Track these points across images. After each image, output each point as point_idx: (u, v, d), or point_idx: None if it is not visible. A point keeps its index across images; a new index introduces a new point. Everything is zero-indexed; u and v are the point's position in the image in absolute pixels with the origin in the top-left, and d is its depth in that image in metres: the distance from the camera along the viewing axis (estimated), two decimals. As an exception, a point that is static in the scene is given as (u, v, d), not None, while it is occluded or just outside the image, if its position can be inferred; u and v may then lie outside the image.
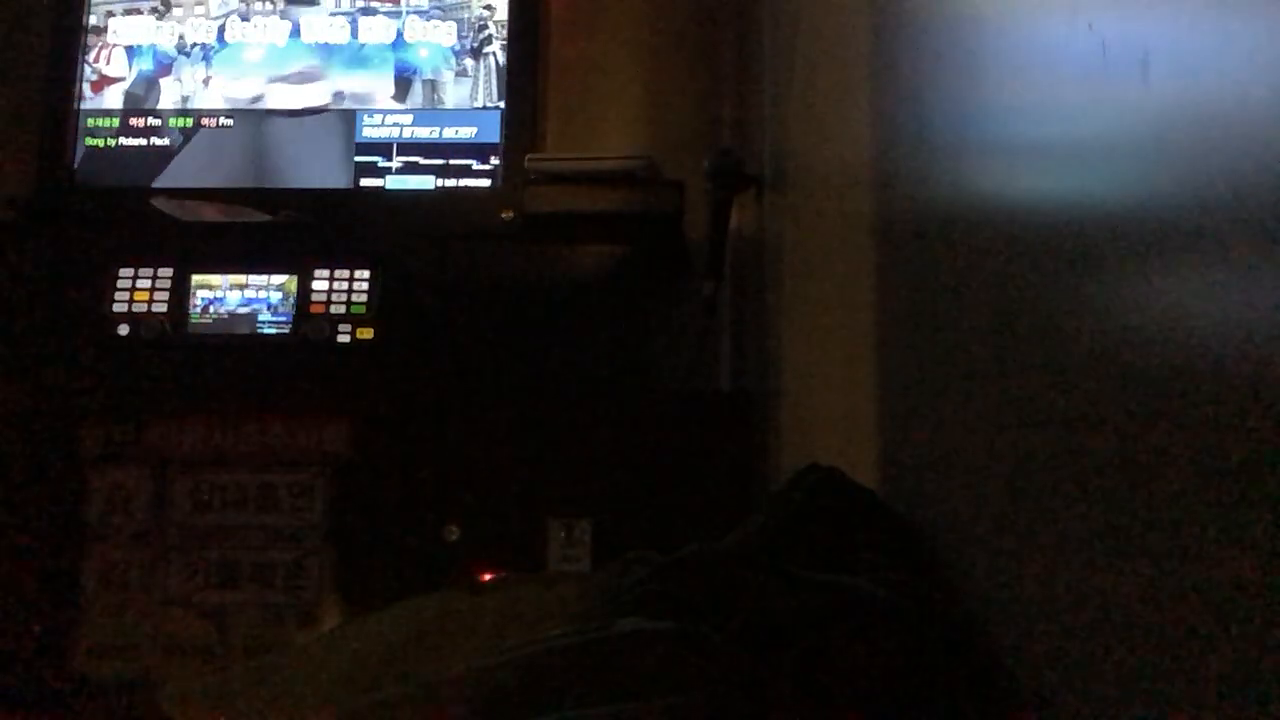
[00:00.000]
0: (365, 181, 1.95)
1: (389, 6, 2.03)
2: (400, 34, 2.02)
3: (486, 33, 2.00)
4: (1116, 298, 0.50)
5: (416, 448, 1.62)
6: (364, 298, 1.72)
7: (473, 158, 1.94)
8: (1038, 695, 0.59)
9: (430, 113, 1.98)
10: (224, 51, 2.03)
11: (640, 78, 2.15)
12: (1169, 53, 0.46)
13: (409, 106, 1.98)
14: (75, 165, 1.95)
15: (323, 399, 1.64)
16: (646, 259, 1.78)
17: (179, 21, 2.03)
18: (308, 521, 1.59)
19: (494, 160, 1.94)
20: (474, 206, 1.90)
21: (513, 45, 1.97)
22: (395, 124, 1.98)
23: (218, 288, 1.73)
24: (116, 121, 1.99)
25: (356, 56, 2.01)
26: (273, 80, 2.01)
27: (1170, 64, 0.46)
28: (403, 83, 2.00)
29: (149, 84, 2.02)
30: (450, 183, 1.94)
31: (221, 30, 2.03)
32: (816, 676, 0.62)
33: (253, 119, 1.99)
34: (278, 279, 1.73)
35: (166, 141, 1.98)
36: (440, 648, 0.75)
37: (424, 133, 1.97)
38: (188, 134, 1.98)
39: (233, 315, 1.72)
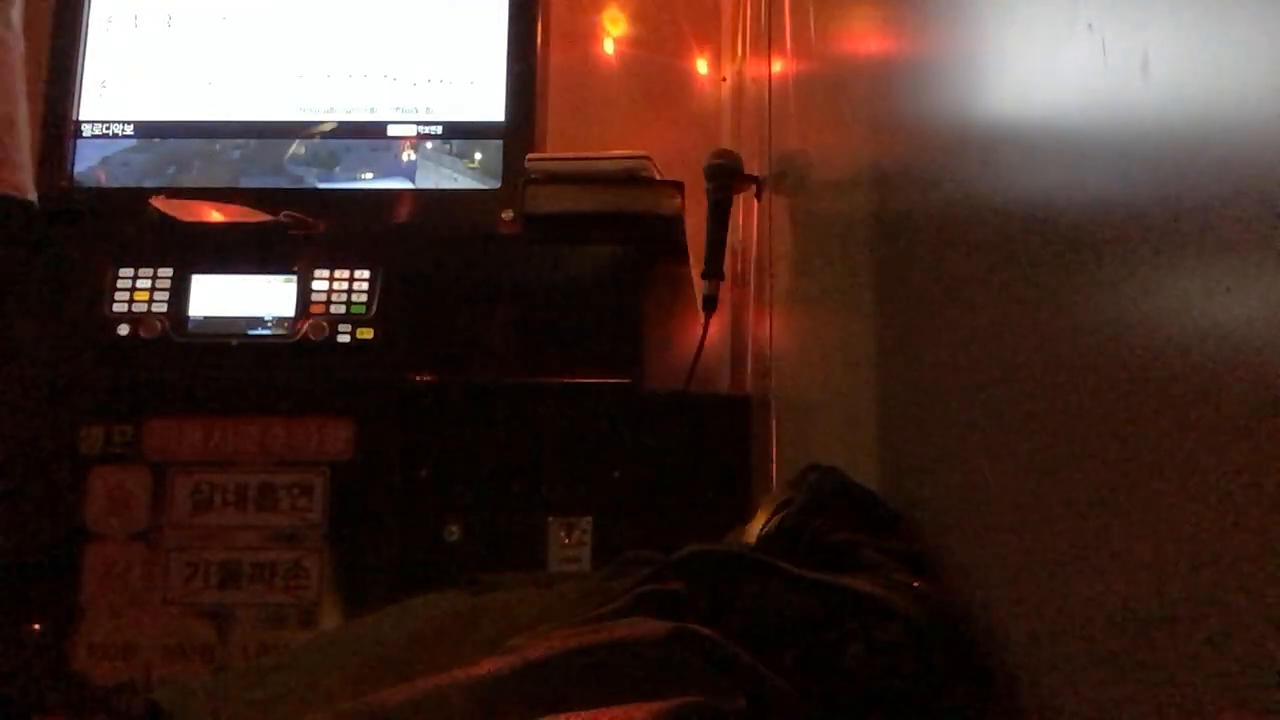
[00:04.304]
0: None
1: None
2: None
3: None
4: (1116, 298, 0.50)
5: (416, 448, 1.62)
6: (364, 298, 1.72)
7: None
8: (1038, 695, 0.59)
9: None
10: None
11: (640, 78, 2.15)
12: (1169, 53, 0.46)
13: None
14: (75, 166, 1.95)
15: (323, 399, 1.64)
16: (646, 259, 1.78)
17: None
18: (308, 521, 1.59)
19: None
20: (474, 206, 1.90)
21: (512, 46, 1.97)
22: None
23: (217, 288, 1.73)
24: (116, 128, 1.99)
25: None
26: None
27: (1170, 64, 0.46)
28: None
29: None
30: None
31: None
32: (816, 676, 0.62)
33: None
34: (278, 279, 1.73)
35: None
36: (440, 648, 0.75)
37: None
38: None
39: (233, 316, 1.72)
